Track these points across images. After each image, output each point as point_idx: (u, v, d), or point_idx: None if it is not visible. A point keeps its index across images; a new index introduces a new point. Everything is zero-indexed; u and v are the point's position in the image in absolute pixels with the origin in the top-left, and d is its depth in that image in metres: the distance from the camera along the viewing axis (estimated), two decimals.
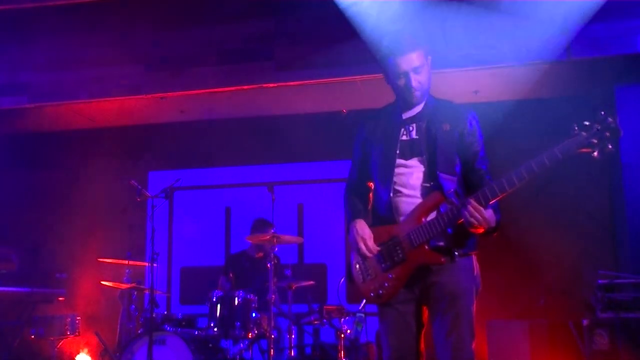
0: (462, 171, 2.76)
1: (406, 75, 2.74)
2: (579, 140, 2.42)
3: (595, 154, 2.41)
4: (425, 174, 2.73)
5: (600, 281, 5.00)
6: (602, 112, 2.42)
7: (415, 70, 2.74)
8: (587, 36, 5.25)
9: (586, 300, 5.60)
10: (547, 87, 6.00)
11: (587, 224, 6.19)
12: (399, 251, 2.70)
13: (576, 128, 2.43)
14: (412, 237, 2.66)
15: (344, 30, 5.44)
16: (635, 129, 5.65)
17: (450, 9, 5.45)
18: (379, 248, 2.75)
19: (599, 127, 2.41)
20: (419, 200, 2.71)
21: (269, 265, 5.03)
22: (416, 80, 2.75)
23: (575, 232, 6.18)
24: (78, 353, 6.59)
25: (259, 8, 5.93)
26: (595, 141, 2.40)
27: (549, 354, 5.57)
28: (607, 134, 2.40)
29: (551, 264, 6.18)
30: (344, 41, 5.66)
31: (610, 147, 2.40)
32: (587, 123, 2.42)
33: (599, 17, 5.17)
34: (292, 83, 5.90)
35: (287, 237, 5.35)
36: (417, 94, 2.78)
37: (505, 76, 5.79)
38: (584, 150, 2.42)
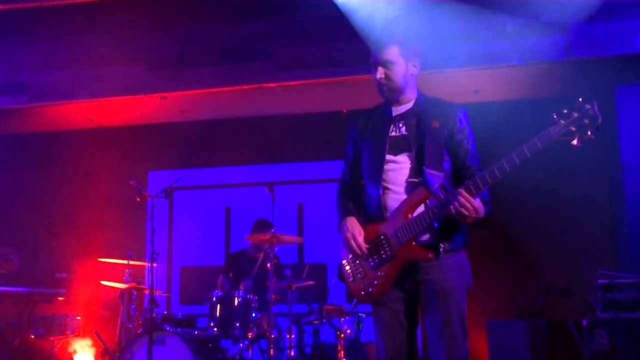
0: (452, 168, 2.77)
1: (375, 68, 2.78)
2: (557, 129, 2.40)
3: (575, 141, 2.39)
4: (412, 169, 2.73)
5: (600, 281, 5.00)
6: (580, 99, 2.40)
7: (385, 64, 2.76)
8: (587, 36, 5.25)
9: (586, 300, 5.60)
10: (547, 87, 5.99)
11: (587, 224, 6.18)
12: (387, 249, 2.70)
13: (555, 116, 2.42)
14: (399, 234, 2.66)
15: (344, 30, 5.43)
16: (635, 129, 5.66)
17: (451, 9, 5.46)
18: (367, 246, 2.75)
19: (577, 115, 2.39)
20: (405, 197, 2.71)
21: (269, 265, 5.03)
22: (382, 74, 2.76)
23: (575, 232, 6.18)
24: (78, 353, 6.59)
25: (259, 8, 5.93)
26: (574, 129, 2.38)
27: (549, 354, 5.57)
28: (586, 121, 2.37)
29: (551, 264, 6.18)
30: (344, 41, 5.66)
31: (589, 133, 2.37)
32: (565, 111, 2.41)
33: (599, 17, 5.17)
34: (292, 83, 5.90)
35: (287, 237, 5.35)
36: (384, 88, 2.80)
37: (505, 76, 5.79)
38: (563, 138, 2.40)
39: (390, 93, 2.82)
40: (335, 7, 5.25)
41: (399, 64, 2.77)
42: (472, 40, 5.45)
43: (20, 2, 5.85)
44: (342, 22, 5.26)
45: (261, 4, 5.92)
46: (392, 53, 2.75)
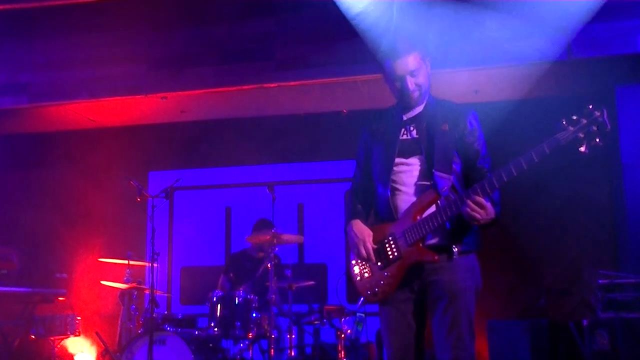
0: (464, 170, 2.77)
1: (402, 78, 2.77)
2: (565, 135, 2.41)
3: (583, 148, 2.40)
4: (422, 172, 2.75)
5: (600, 281, 5.01)
6: (590, 106, 2.40)
7: (412, 73, 2.76)
8: (587, 36, 5.25)
9: (586, 300, 5.60)
10: (547, 87, 5.99)
11: (587, 224, 6.18)
12: (395, 249, 2.72)
13: (564, 122, 2.42)
14: (407, 235, 2.68)
15: (344, 30, 5.43)
16: (636, 129, 5.66)
17: (451, 9, 5.46)
18: (375, 246, 2.76)
19: (586, 121, 2.39)
20: (414, 198, 2.72)
21: (269, 265, 5.03)
22: (412, 83, 2.77)
23: (575, 232, 6.18)
24: (78, 353, 6.59)
25: (259, 8, 5.93)
26: (582, 135, 2.39)
27: (549, 354, 5.56)
28: (594, 128, 2.38)
29: (551, 264, 6.18)
30: (344, 41, 5.66)
31: (597, 140, 2.38)
32: (574, 117, 2.41)
33: (599, 17, 5.16)
34: (292, 83, 5.90)
35: (288, 237, 5.35)
36: (415, 95, 2.80)
37: (505, 76, 5.79)
38: (571, 145, 2.40)
39: (421, 98, 2.83)
40: (335, 7, 5.25)
41: (423, 67, 2.79)
42: (472, 40, 5.45)
43: (20, 2, 5.85)
44: (342, 22, 5.26)
45: (261, 4, 5.92)
46: (416, 59, 2.76)
